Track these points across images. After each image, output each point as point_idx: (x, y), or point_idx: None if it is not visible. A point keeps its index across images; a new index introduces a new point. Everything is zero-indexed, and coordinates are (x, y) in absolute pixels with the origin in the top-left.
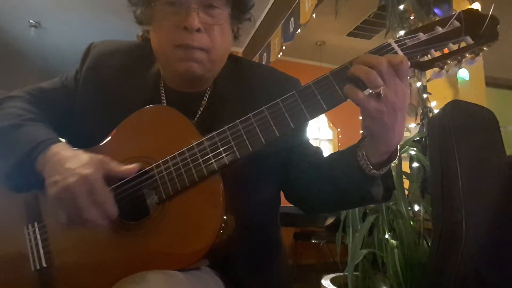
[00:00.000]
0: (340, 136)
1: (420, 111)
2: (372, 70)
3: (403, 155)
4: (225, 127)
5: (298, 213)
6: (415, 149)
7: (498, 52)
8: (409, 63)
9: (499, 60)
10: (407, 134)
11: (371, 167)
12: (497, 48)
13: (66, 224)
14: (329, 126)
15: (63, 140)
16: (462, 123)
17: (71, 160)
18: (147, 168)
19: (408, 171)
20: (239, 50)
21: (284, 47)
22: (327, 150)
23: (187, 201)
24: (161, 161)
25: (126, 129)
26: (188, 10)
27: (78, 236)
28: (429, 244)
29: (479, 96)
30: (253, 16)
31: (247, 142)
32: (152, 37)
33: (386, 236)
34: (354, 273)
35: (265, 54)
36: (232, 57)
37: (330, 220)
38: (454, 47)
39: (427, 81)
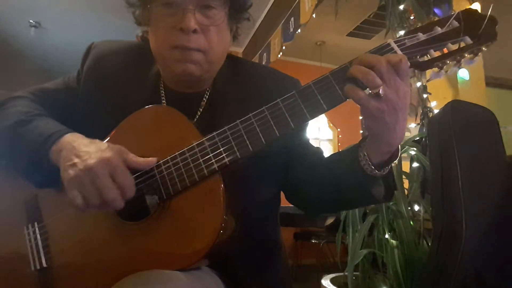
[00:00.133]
0: (340, 136)
1: (420, 111)
2: (370, 70)
3: (403, 155)
4: (226, 127)
5: (298, 213)
6: (415, 149)
7: (498, 52)
8: (409, 62)
9: (499, 60)
10: (407, 134)
11: (372, 167)
12: (497, 48)
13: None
14: (329, 126)
15: None
16: (462, 123)
17: (89, 145)
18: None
19: (408, 171)
20: (239, 50)
21: (284, 47)
22: (327, 150)
23: (187, 201)
24: (161, 161)
25: (126, 129)
26: (184, 11)
27: (78, 236)
28: (429, 244)
29: (479, 96)
30: (252, 16)
31: (248, 142)
32: (150, 38)
33: (386, 236)
34: (354, 273)
35: (265, 54)
36: (231, 57)
37: (330, 220)
38: (453, 47)
39: (427, 81)
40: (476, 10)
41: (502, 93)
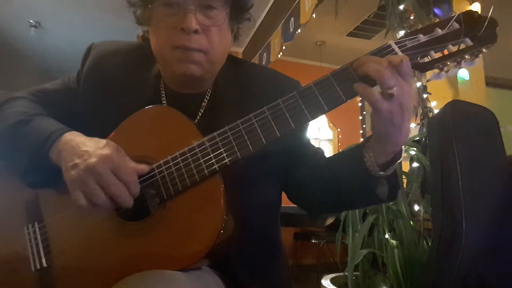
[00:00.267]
0: (340, 136)
1: (420, 111)
2: (386, 69)
3: (403, 155)
4: (226, 128)
5: (298, 213)
6: (415, 149)
7: (498, 52)
8: (410, 63)
9: (499, 60)
10: None
11: (378, 168)
12: (497, 49)
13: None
14: (329, 126)
15: None
16: (462, 123)
17: (87, 144)
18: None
19: (408, 171)
20: (239, 50)
21: (284, 47)
22: (327, 150)
23: (188, 201)
24: (162, 161)
25: (126, 130)
26: (185, 12)
27: (78, 236)
28: (429, 244)
29: (479, 96)
30: (253, 16)
31: (248, 142)
32: (151, 38)
33: (386, 236)
34: (354, 273)
35: (265, 54)
36: (232, 58)
37: (330, 220)
38: (454, 48)
39: (427, 81)
40: (476, 12)
41: (502, 93)
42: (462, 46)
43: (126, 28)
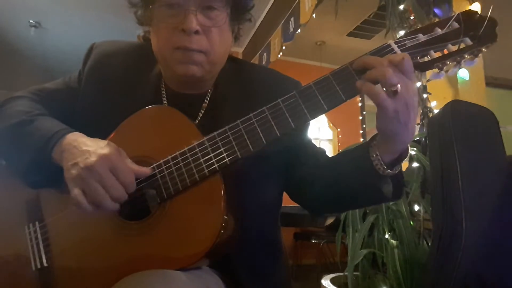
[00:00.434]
0: (340, 136)
1: (420, 111)
2: (388, 68)
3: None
4: (226, 127)
5: (298, 213)
6: (415, 149)
7: (498, 52)
8: (411, 60)
9: (499, 60)
10: None
11: (385, 166)
12: (497, 48)
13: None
14: (329, 126)
15: None
16: (462, 123)
17: (89, 144)
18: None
19: (408, 171)
20: (239, 50)
21: (284, 47)
22: (327, 150)
23: (188, 201)
24: (162, 161)
25: (127, 129)
26: (186, 12)
27: (79, 235)
28: (429, 244)
29: (479, 96)
30: (253, 17)
31: (248, 142)
32: (152, 39)
33: (386, 236)
34: (354, 273)
35: (265, 54)
36: (232, 59)
37: (330, 220)
38: (454, 48)
39: (427, 81)
40: (476, 12)
41: (502, 93)
42: (462, 45)
43: (126, 28)
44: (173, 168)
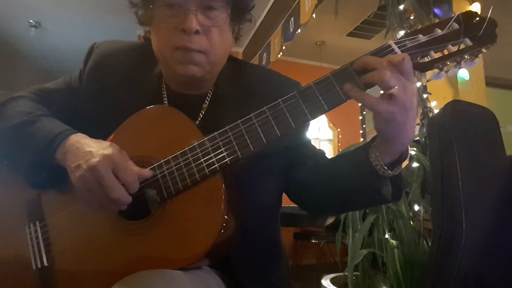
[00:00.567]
0: (340, 136)
1: (420, 111)
2: (386, 70)
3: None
4: (227, 127)
5: (298, 213)
6: (415, 149)
7: (498, 52)
8: (411, 61)
9: (499, 60)
10: None
11: (385, 167)
12: (497, 48)
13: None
14: (329, 126)
15: None
16: (462, 123)
17: (91, 145)
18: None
19: (408, 171)
20: (239, 50)
21: (284, 47)
22: (327, 150)
23: (188, 201)
24: (163, 160)
25: (128, 129)
26: (186, 12)
27: (79, 234)
28: (429, 244)
29: (479, 96)
30: (253, 16)
31: (249, 142)
32: (152, 39)
33: (386, 236)
34: (354, 273)
35: (265, 54)
36: (233, 59)
37: (330, 220)
38: (454, 48)
39: (427, 81)
40: (476, 13)
41: (502, 93)
42: (462, 46)
43: (127, 28)
44: (174, 168)
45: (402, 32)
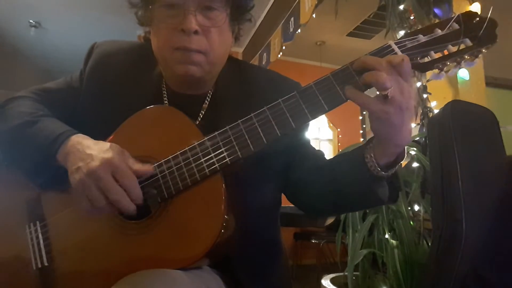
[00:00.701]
0: (340, 136)
1: (420, 111)
2: (381, 72)
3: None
4: (227, 127)
5: (298, 213)
6: (415, 149)
7: (498, 52)
8: (410, 63)
9: (499, 60)
10: None
11: (379, 169)
12: (497, 49)
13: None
14: (329, 126)
15: None
16: (462, 123)
17: (92, 147)
18: None
19: (408, 171)
20: (239, 50)
21: (284, 47)
22: (327, 150)
23: (188, 201)
24: (163, 160)
25: (128, 129)
26: (185, 13)
27: (80, 234)
28: (429, 244)
29: (479, 96)
30: (253, 17)
31: (249, 141)
32: (152, 39)
33: (386, 236)
34: (354, 273)
35: (265, 54)
36: (232, 59)
37: (330, 220)
38: (454, 49)
39: (427, 81)
40: (476, 13)
41: (502, 93)
42: (462, 46)
43: (127, 28)
44: (174, 167)
45: (402, 32)
